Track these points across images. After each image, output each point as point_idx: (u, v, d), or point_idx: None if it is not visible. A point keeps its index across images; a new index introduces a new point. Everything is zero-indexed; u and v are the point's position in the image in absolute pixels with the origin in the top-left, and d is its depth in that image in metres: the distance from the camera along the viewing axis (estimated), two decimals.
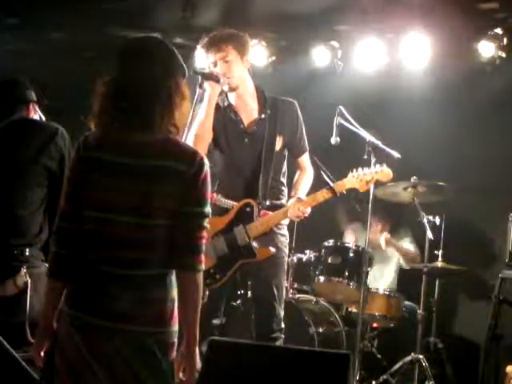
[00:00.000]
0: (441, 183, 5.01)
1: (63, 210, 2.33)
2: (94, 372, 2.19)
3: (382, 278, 5.51)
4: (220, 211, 3.77)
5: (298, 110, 3.97)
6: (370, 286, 5.01)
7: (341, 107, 4.49)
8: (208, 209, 2.28)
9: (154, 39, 2.37)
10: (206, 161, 2.28)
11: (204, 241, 2.28)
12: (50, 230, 3.37)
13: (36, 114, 3.55)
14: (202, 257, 2.27)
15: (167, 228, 2.22)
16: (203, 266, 2.28)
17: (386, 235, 5.45)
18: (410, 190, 5.00)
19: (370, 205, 4.41)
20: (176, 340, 2.28)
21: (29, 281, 3.23)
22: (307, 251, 5.11)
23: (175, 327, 2.27)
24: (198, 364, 2.31)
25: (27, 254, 3.25)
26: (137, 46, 2.35)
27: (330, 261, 4.91)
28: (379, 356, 4.99)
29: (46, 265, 3.32)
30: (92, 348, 2.20)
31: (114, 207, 2.21)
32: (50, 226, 3.36)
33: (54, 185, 3.36)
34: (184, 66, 2.36)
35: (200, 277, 2.27)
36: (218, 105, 3.78)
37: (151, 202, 2.20)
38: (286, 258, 3.98)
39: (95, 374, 2.20)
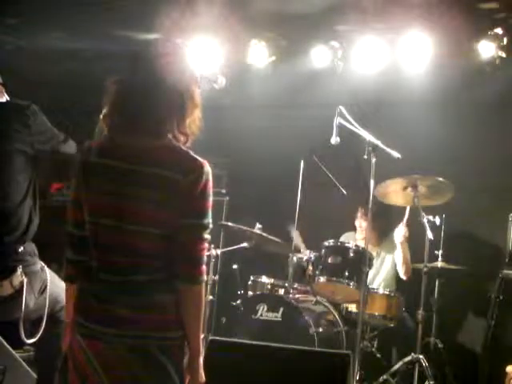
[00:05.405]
0: (442, 179, 4.98)
1: (70, 215, 2.32)
2: (99, 377, 2.20)
3: (377, 275, 5.50)
4: None
5: None
6: (369, 286, 5.01)
7: (341, 107, 4.49)
8: (208, 220, 2.23)
9: (169, 43, 2.32)
10: (208, 170, 2.21)
11: (205, 252, 2.24)
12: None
13: (3, 98, 3.44)
14: (203, 268, 2.24)
15: (163, 237, 2.19)
16: (204, 278, 2.25)
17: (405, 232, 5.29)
18: (409, 190, 4.99)
19: (369, 205, 4.41)
20: (184, 345, 2.24)
21: (25, 280, 3.21)
22: (307, 251, 5.11)
23: (179, 332, 2.23)
24: (202, 376, 2.30)
25: (21, 251, 3.21)
26: (150, 49, 2.30)
27: (330, 261, 4.91)
28: (379, 356, 4.99)
29: (41, 262, 3.32)
30: (97, 354, 2.20)
31: (106, 213, 2.20)
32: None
33: (34, 169, 3.30)
34: (196, 72, 2.32)
35: (201, 288, 2.24)
36: None
37: (141, 209, 2.17)
38: None
39: (101, 379, 2.20)
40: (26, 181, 3.26)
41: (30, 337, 3.29)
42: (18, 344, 3.54)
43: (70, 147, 3.42)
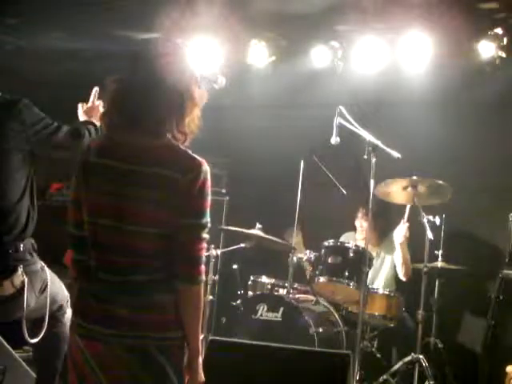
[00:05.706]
0: (441, 182, 4.99)
1: (70, 216, 2.32)
2: (97, 376, 2.20)
3: (377, 276, 5.50)
4: None
5: None
6: (369, 286, 5.01)
7: (341, 107, 4.49)
8: (207, 219, 2.22)
9: (169, 43, 2.31)
10: (206, 169, 2.21)
11: (204, 252, 2.24)
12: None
13: None
14: (202, 268, 2.23)
15: (162, 237, 2.18)
16: (203, 278, 2.24)
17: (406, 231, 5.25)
18: (409, 190, 5.00)
19: (370, 205, 4.41)
20: (184, 345, 2.24)
21: (25, 280, 3.20)
22: (307, 251, 5.11)
23: (179, 332, 2.22)
24: (201, 376, 2.30)
25: (21, 250, 3.20)
26: (150, 49, 2.29)
27: (330, 261, 4.91)
28: (379, 356, 4.99)
29: (41, 262, 3.32)
30: (95, 355, 2.20)
31: (105, 213, 2.20)
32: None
33: (31, 166, 3.29)
34: (196, 71, 2.31)
35: (200, 288, 2.24)
36: None
37: (141, 210, 2.17)
38: None
39: (99, 379, 2.19)
40: (24, 178, 3.25)
41: (31, 336, 3.28)
42: (20, 344, 3.54)
43: (62, 132, 3.37)
